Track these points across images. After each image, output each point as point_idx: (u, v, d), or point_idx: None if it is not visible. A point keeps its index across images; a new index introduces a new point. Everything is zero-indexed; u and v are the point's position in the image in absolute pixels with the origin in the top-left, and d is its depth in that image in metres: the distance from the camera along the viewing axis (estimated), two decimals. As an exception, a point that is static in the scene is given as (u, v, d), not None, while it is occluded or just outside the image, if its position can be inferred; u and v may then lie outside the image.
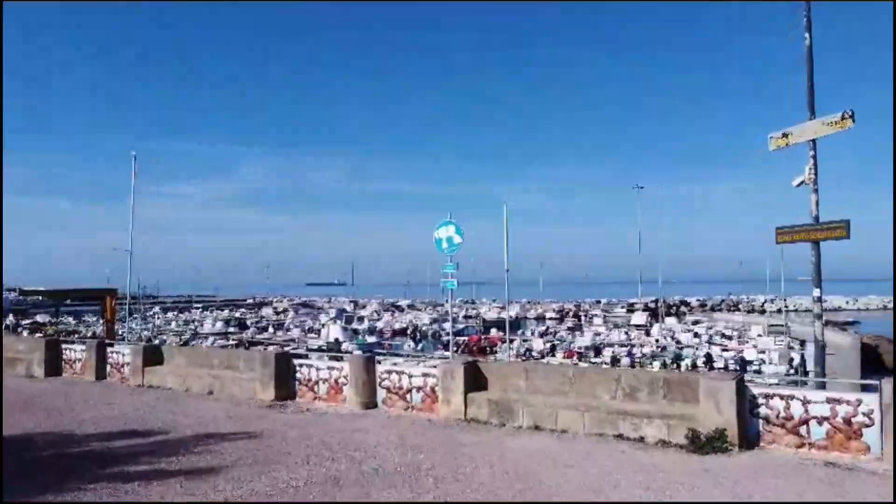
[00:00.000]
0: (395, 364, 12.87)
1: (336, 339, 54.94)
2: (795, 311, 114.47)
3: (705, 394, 9.34)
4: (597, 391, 10.54)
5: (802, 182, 9.64)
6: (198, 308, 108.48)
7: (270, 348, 51.50)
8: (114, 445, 9.75)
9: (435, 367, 12.27)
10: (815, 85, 9.54)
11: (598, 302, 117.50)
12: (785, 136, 9.81)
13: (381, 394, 12.59)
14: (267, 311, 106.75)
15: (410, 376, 12.26)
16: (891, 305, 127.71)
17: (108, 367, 17.39)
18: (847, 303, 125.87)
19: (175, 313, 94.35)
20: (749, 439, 9.25)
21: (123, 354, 16.95)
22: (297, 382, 13.67)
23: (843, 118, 9.04)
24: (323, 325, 72.52)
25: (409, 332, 74.84)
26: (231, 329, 73.05)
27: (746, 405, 9.33)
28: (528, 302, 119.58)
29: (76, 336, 53.45)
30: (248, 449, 9.37)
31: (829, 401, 9.01)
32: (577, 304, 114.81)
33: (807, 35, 9.55)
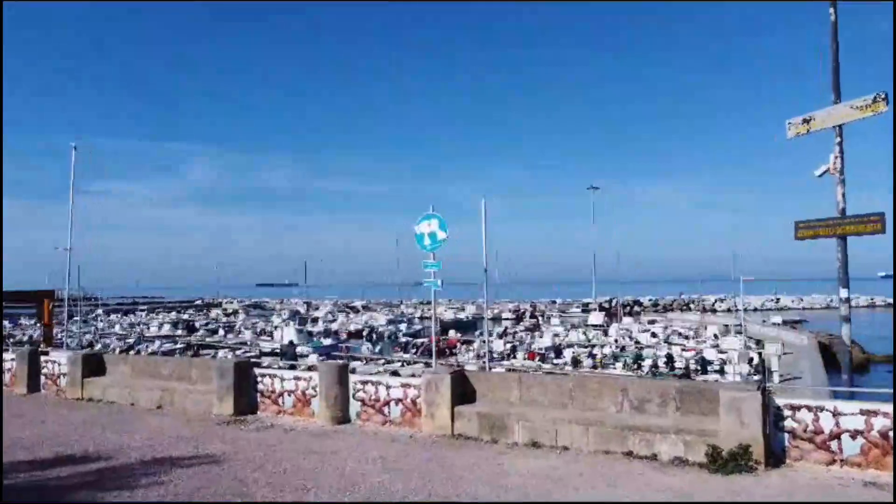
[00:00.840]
0: (371, 374, 11.59)
1: (291, 342, 53.09)
2: (747, 310, 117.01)
3: (726, 406, 8.39)
4: (601, 403, 9.51)
5: (826, 172, 8.82)
6: (143, 310, 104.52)
7: (223, 353, 49.40)
8: (46, 476, 8.25)
9: (415, 375, 11.06)
10: (839, 66, 8.71)
11: (554, 302, 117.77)
12: (806, 121, 8.97)
13: (354, 406, 11.33)
14: (216, 313, 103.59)
15: (388, 387, 11.03)
16: (834, 304, 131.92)
17: (42, 379, 15.62)
18: (793, 302, 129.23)
19: (119, 316, 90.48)
20: (775, 456, 8.34)
21: (59, 364, 15.20)
22: (258, 394, 12.28)
23: (874, 101, 8.21)
24: (276, 327, 70.43)
25: (364, 333, 73.34)
26: (179, 332, 70.28)
27: (771, 418, 8.43)
28: (483, 302, 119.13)
29: (10, 342, 50.32)
30: (207, 478, 8.00)
31: (863, 412, 8.15)
32: (533, 304, 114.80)
33: (832, 10, 8.74)
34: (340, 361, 11.80)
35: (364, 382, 11.31)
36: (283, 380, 12.09)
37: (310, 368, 12.47)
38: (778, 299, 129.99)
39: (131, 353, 50.77)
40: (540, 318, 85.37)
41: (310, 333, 62.33)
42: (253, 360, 12.81)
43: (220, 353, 50.75)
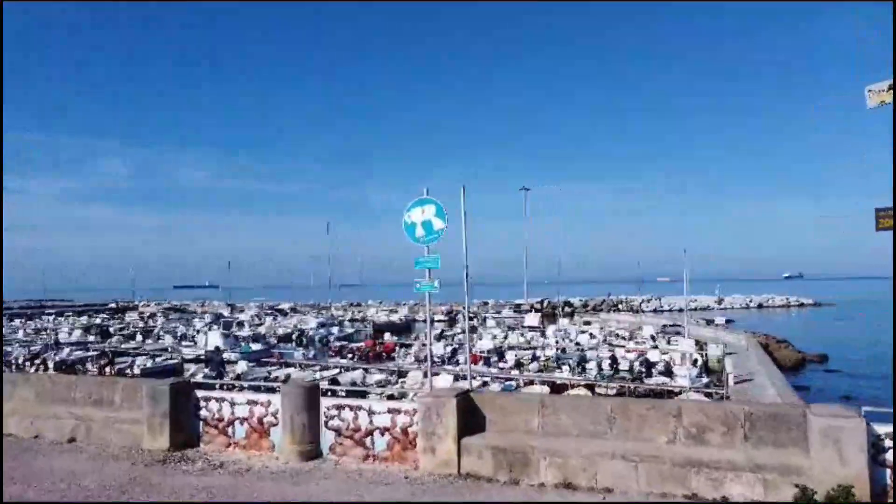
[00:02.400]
0: (346, 396, 9.41)
1: (216, 348, 49.51)
2: (671, 310, 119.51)
3: (821, 436, 6.70)
4: (648, 432, 7.68)
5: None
6: (51, 314, 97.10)
7: (141, 360, 45.46)
8: None
9: (403, 397, 8.94)
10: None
11: (486, 303, 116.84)
12: (893, 88, 7.47)
13: (327, 437, 9.10)
14: (132, 317, 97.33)
15: (372, 413, 8.86)
16: (754, 305, 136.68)
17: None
18: (715, 301, 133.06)
19: (23, 321, 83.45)
20: (876, 498, 6.72)
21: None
22: (201, 422, 9.86)
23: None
24: (199, 332, 66.22)
25: (294, 337, 70.02)
26: (92, 338, 65.02)
27: (870, 450, 6.79)
28: (416, 304, 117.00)
29: None
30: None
31: None
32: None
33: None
34: (309, 381, 9.54)
35: (340, 407, 9.10)
36: (233, 404, 9.72)
37: (268, 389, 10.14)
38: (721, 300, 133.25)
39: (37, 362, 46.14)
40: (475, 320, 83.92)
41: (236, 338, 58.67)
42: (193, 380, 10.36)
43: (139, 360, 46.77)
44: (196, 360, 46.97)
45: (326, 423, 9.10)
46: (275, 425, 9.33)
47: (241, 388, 10.82)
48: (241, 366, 41.59)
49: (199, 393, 9.99)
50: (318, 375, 39.92)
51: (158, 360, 47.76)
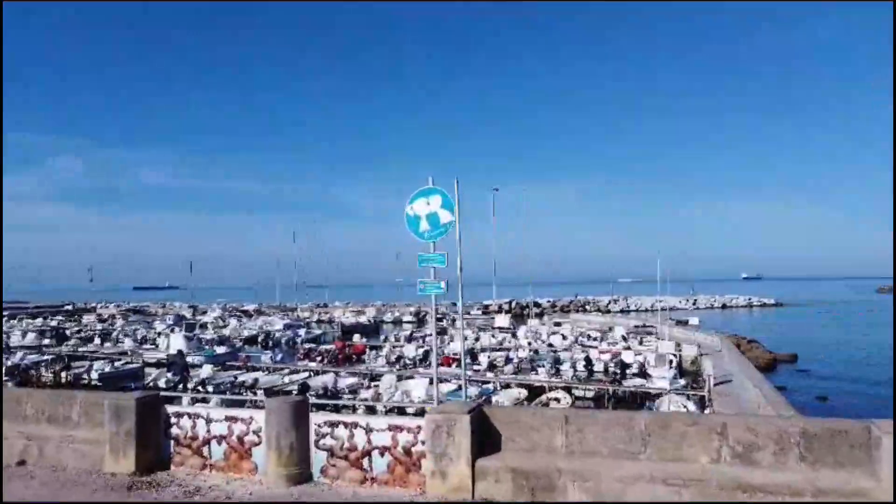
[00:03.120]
0: (339, 411, 8.38)
1: (179, 351, 47.55)
2: (639, 311, 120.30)
3: (891, 456, 5.92)
4: (688, 451, 6.82)
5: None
6: (2, 316, 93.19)
7: (99, 364, 43.43)
8: None
9: (404, 411, 7.95)
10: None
11: (454, 304, 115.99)
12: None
13: (318, 458, 8.06)
14: (90, 319, 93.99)
15: (370, 430, 7.85)
16: (718, 305, 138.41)
17: None
18: (680, 302, 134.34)
19: (-29, 324, 79.84)
20: (952, 525, 5.96)
21: None
22: (172, 442, 8.72)
23: None
24: (160, 335, 64.01)
25: (260, 340, 68.22)
26: (47, 341, 62.30)
27: (944, 471, 6.03)
28: (384, 305, 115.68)
29: None
30: None
31: None
32: (435, 306, 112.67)
33: None
34: (298, 397, 8.48)
35: (332, 424, 8.05)
36: (209, 421, 8.60)
37: (252, 404, 9.05)
38: (696, 300, 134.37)
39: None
40: (445, 321, 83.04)
41: (200, 341, 56.73)
42: (163, 393, 9.18)
43: (97, 364, 44.73)
44: (158, 365, 45.13)
45: (317, 441, 8.05)
46: (257, 445, 8.25)
47: (220, 404, 9.67)
48: (206, 370, 39.96)
49: (170, 408, 8.85)
50: (286, 379, 38.59)
51: (118, 364, 45.76)
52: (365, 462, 7.82)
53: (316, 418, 8.18)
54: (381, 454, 7.76)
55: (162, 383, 38.57)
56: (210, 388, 36.71)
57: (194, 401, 9.77)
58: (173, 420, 8.76)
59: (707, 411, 26.39)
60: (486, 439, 7.38)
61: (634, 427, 7.06)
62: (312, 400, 9.29)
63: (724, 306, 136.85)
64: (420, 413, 7.99)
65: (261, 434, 8.22)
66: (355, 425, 7.96)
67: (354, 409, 15.17)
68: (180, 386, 38.36)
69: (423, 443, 7.47)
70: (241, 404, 8.87)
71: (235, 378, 37.84)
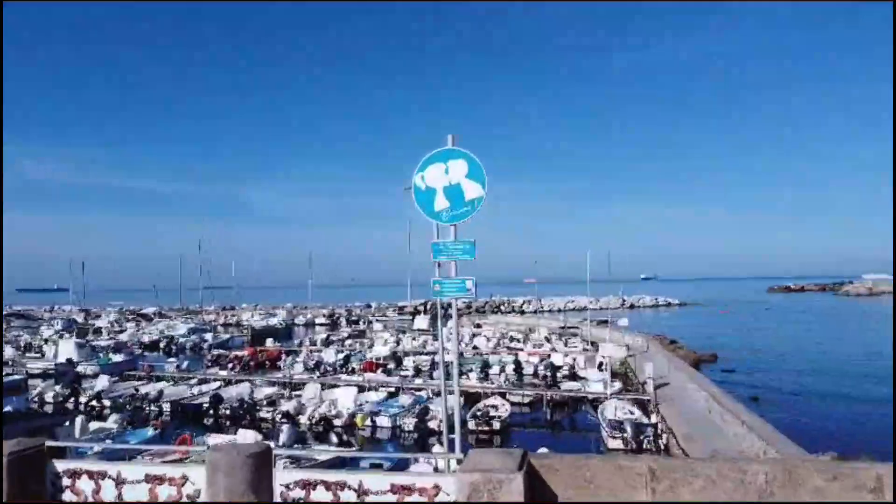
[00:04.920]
0: (316, 467, 5.93)
1: (69, 360, 42.72)
2: (551, 311, 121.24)
3: None
4: (831, 514, 4.88)
5: None
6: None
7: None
8: None
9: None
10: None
11: (369, 306, 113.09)
12: None
13: (286, 534, 5.61)
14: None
15: (363, 493, 5.49)
16: (626, 305, 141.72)
17: None
18: (591, 303, 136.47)
19: None
20: None
21: None
22: (63, 512, 6.03)
23: None
24: (47, 341, 58.03)
25: (162, 345, 63.18)
26: None
27: None
28: (295, 307, 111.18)
29: None
30: None
31: None
32: (349, 307, 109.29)
33: None
34: (255, 446, 5.94)
35: (309, 485, 5.62)
36: (121, 482, 5.96)
37: (187, 456, 6.47)
38: (625, 300, 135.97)
39: None
40: (362, 324, 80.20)
41: (93, 348, 51.54)
42: (49, 442, 6.36)
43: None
44: (44, 376, 40.19)
45: (286, 510, 5.61)
46: (193, 516, 5.71)
47: (136, 455, 7.00)
48: (101, 381, 35.72)
49: (60, 465, 6.13)
50: (195, 390, 34.96)
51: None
52: (357, 539, 5.45)
53: (283, 476, 5.73)
54: (382, 528, 5.42)
55: (49, 397, 34.14)
56: (107, 402, 32.70)
57: (101, 455, 7.02)
58: (66, 482, 6.05)
59: (654, 418, 25.26)
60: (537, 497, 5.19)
61: (750, 480, 5.05)
62: (279, 451, 6.77)
63: (632, 306, 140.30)
64: (434, 468, 5.68)
65: (199, 501, 5.69)
66: (342, 486, 5.56)
67: (344, 465, 12.60)
68: (71, 400, 34.07)
69: (448, 512, 5.19)
70: (163, 455, 6.25)
71: (136, 390, 33.90)
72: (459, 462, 5.49)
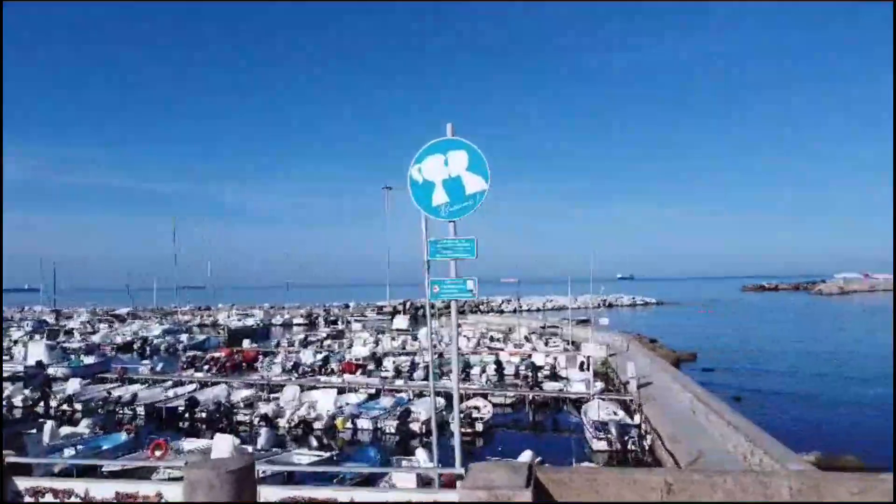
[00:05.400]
0: (302, 483, 5.50)
1: (39, 362, 41.60)
2: (530, 310, 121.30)
3: None
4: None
5: None
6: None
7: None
8: None
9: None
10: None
11: (347, 306, 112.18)
12: None
13: (272, 558, 5.17)
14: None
15: (357, 510, 5.07)
16: (604, 304, 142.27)
17: None
18: (570, 302, 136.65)
19: None
20: None
21: None
22: (26, 535, 5.52)
23: None
24: (16, 343, 56.58)
25: (136, 347, 61.95)
26: None
27: None
28: (272, 307, 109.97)
29: None
30: None
31: None
32: (327, 307, 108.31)
33: None
34: (236, 459, 5.47)
35: (297, 503, 5.20)
36: (87, 502, 5.47)
37: (156, 468, 5.97)
38: (604, 300, 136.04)
39: None
40: (340, 323, 79.40)
41: (64, 350, 50.33)
42: (11, 458, 5.84)
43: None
44: (12, 379, 39.02)
45: (271, 532, 5.17)
46: (169, 539, 5.24)
47: (108, 472, 6.53)
48: (72, 384, 34.72)
49: (22, 482, 5.62)
50: (170, 393, 34.14)
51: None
52: (350, 562, 5.02)
53: (268, 493, 5.28)
54: (377, 549, 5.00)
55: (17, 401, 33.11)
56: (78, 406, 31.78)
57: (61, 472, 6.53)
58: (28, 500, 5.55)
59: (637, 419, 25.04)
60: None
61: (773, 494, 4.71)
62: (262, 467, 6.32)
63: (609, 305, 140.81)
64: (426, 481, 5.30)
65: (175, 521, 5.22)
66: None
67: (334, 479, 12.16)
68: (41, 404, 33.07)
69: (447, 531, 4.79)
70: (132, 473, 5.74)
71: (109, 393, 32.98)
72: (461, 478, 5.11)
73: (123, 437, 24.10)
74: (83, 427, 25.27)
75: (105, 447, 22.98)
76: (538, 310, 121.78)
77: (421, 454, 20.08)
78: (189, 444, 22.49)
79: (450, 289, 5.60)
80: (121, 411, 31.00)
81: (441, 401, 31.91)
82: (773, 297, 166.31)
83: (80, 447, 22.18)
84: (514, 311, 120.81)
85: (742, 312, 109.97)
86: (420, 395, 32.89)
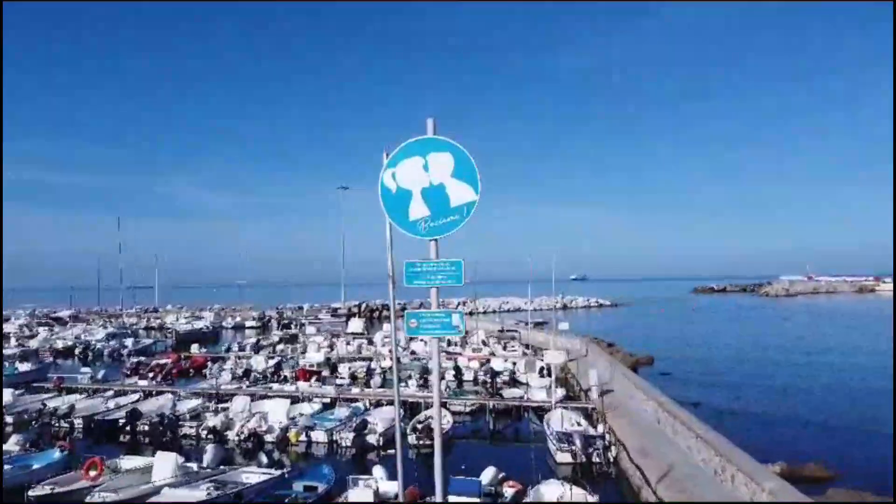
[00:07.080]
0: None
1: (-32, 371, 38.95)
2: (486, 312, 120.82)
3: None
4: None
5: None
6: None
7: None
8: None
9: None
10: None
11: (301, 308, 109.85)
12: None
13: None
14: None
15: None
16: (559, 305, 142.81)
17: None
18: (525, 303, 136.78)
19: None
20: None
21: None
22: None
23: None
24: (-55, 349, 53.23)
25: (78, 352, 59.12)
26: None
27: None
28: (223, 309, 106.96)
29: None
30: None
31: None
32: (280, 309, 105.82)
33: None
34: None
35: None
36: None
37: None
38: (563, 301, 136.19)
39: None
40: (293, 326, 77.43)
41: (-2, 357, 47.44)
42: None
43: None
44: None
45: None
46: None
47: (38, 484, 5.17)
48: (6, 395, 32.46)
49: None
50: (111, 403, 32.21)
51: None
52: None
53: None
54: None
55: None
56: (9, 419, 29.61)
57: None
58: None
59: (600, 428, 24.38)
60: None
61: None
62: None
63: (565, 307, 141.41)
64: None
65: None
66: None
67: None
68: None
69: None
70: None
71: (44, 405, 30.89)
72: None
73: (57, 454, 22.35)
74: (12, 444, 23.40)
75: (35, 466, 21.26)
76: (494, 311, 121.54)
77: (378, 472, 19.05)
78: (128, 461, 20.90)
79: (430, 325, 4.59)
80: (56, 424, 29.04)
81: (400, 412, 30.86)
82: (722, 299, 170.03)
83: (7, 467, 20.45)
84: (471, 313, 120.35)
85: (695, 313, 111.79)
86: (378, 404, 31.74)
